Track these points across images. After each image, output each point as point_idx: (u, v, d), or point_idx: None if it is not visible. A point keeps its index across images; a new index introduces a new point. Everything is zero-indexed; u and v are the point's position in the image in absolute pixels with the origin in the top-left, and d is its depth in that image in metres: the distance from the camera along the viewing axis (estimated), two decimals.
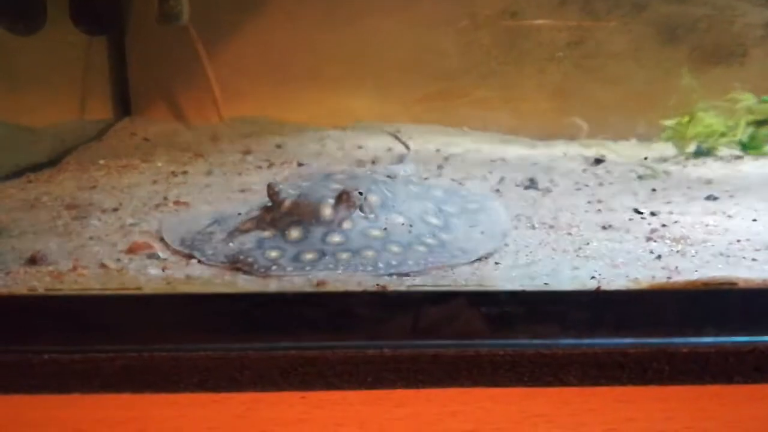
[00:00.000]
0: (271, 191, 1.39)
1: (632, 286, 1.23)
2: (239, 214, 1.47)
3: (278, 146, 2.40)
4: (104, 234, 1.48)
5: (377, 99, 2.85)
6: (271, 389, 1.15)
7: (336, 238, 1.30)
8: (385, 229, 1.35)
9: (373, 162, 2.16)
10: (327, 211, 1.32)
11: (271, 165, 2.14)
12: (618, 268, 1.31)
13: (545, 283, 1.25)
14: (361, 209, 1.36)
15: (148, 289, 1.22)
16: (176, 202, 1.71)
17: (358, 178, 1.56)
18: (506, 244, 1.42)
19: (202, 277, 1.26)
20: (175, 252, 1.36)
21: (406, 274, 1.25)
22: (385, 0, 2.78)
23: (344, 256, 1.26)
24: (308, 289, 1.21)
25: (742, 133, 2.18)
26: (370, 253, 1.27)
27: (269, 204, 1.41)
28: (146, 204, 1.70)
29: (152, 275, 1.26)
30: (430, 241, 1.35)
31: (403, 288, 1.22)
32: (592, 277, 1.26)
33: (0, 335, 1.18)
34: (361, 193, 1.36)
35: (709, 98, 2.30)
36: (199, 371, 1.15)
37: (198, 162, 2.19)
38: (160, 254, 1.35)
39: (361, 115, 2.83)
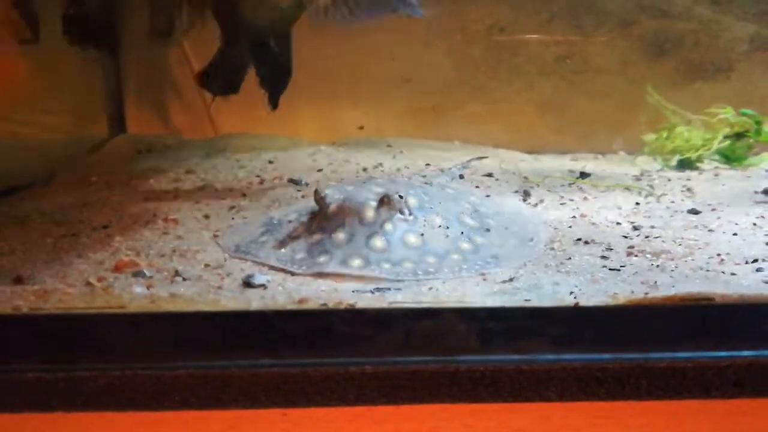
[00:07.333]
0: (318, 196, 1.50)
1: (610, 301, 1.25)
2: (290, 221, 1.59)
3: (270, 162, 2.42)
4: (92, 252, 1.50)
5: (369, 113, 2.88)
6: (253, 406, 1.17)
7: (378, 242, 1.41)
8: (422, 235, 1.46)
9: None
10: (370, 213, 1.44)
11: (262, 181, 2.16)
12: (598, 284, 1.33)
13: (525, 300, 1.26)
14: (400, 211, 1.47)
15: (132, 307, 1.23)
16: (165, 219, 1.73)
17: (396, 182, 1.72)
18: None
19: (186, 295, 1.27)
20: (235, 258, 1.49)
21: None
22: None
23: (386, 266, 1.37)
24: (290, 306, 1.23)
25: (717, 146, 2.22)
26: (408, 264, 1.38)
27: (317, 209, 1.52)
28: (136, 221, 1.72)
29: (137, 293, 1.28)
30: (465, 246, 1.46)
31: (383, 305, 1.24)
32: (571, 293, 1.27)
33: None
34: (401, 197, 1.47)
35: (696, 112, 2.33)
36: (181, 389, 1.16)
37: (190, 177, 2.21)
38: (146, 272, 1.37)
39: (352, 130, 2.85)
